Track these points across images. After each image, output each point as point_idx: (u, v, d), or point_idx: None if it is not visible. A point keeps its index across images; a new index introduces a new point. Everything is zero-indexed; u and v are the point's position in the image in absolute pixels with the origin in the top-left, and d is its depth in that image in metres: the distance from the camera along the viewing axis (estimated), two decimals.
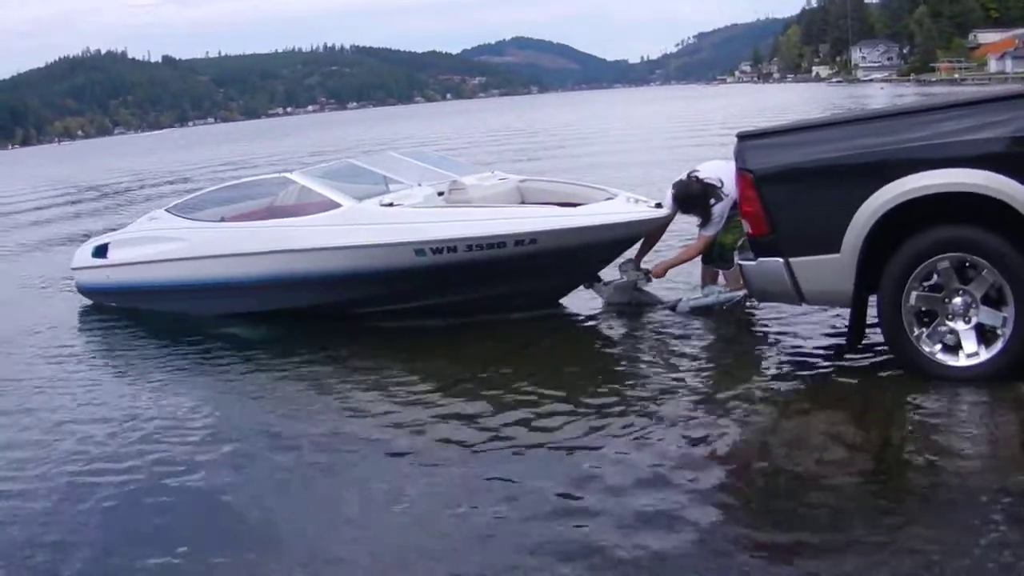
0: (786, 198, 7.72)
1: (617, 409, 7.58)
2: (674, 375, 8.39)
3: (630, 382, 8.37)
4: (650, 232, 10.72)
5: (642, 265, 10.89)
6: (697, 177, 10.26)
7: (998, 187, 6.83)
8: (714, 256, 10.49)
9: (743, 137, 8.02)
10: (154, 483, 6.92)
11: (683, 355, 9.04)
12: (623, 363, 9.11)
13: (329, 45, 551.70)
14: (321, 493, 6.63)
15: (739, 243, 9.94)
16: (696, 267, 10.86)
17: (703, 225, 10.35)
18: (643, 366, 8.86)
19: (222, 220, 12.37)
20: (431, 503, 6.18)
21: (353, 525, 6.06)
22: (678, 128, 49.01)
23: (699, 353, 9.17)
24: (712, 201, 10.16)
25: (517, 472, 6.53)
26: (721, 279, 10.60)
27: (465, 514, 5.99)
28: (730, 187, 9.66)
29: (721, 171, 10.15)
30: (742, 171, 7.87)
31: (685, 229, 11.54)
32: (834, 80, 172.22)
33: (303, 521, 6.15)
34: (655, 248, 11.15)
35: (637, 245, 10.86)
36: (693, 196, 10.20)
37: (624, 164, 28.62)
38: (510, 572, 5.22)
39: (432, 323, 10.80)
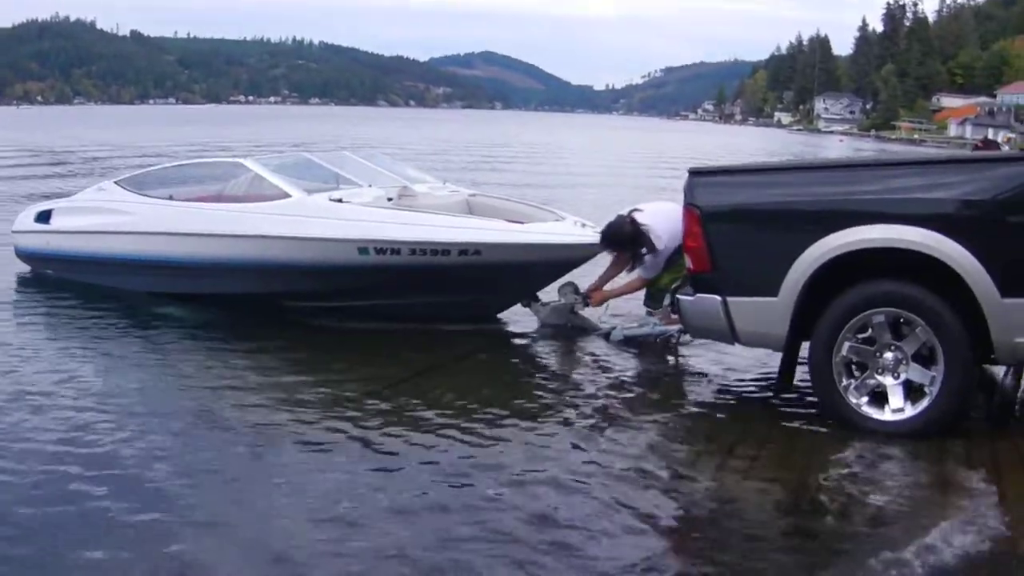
0: (730, 237, 7.76)
1: (541, 429, 7.58)
2: (599, 402, 8.39)
3: (558, 403, 8.32)
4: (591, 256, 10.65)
5: (583, 289, 10.85)
6: (633, 219, 10.23)
7: (941, 248, 6.91)
8: (646, 294, 10.53)
9: (694, 173, 8.06)
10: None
11: (612, 383, 9.05)
12: (553, 384, 9.03)
13: (298, 38, 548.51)
14: (239, 478, 6.56)
15: (674, 285, 9.93)
16: (636, 298, 10.85)
17: (638, 267, 10.38)
18: (572, 389, 8.81)
19: (171, 198, 12.29)
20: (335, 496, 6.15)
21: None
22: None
23: (627, 382, 9.16)
24: (643, 251, 10.16)
25: (432, 479, 6.50)
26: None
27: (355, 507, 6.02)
28: (670, 237, 9.72)
29: (664, 217, 10.07)
30: (689, 206, 7.88)
31: None
32: (795, 128, 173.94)
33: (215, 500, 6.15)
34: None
35: (582, 267, 10.83)
36: (622, 238, 10.18)
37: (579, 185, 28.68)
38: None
39: (371, 326, 10.73)
